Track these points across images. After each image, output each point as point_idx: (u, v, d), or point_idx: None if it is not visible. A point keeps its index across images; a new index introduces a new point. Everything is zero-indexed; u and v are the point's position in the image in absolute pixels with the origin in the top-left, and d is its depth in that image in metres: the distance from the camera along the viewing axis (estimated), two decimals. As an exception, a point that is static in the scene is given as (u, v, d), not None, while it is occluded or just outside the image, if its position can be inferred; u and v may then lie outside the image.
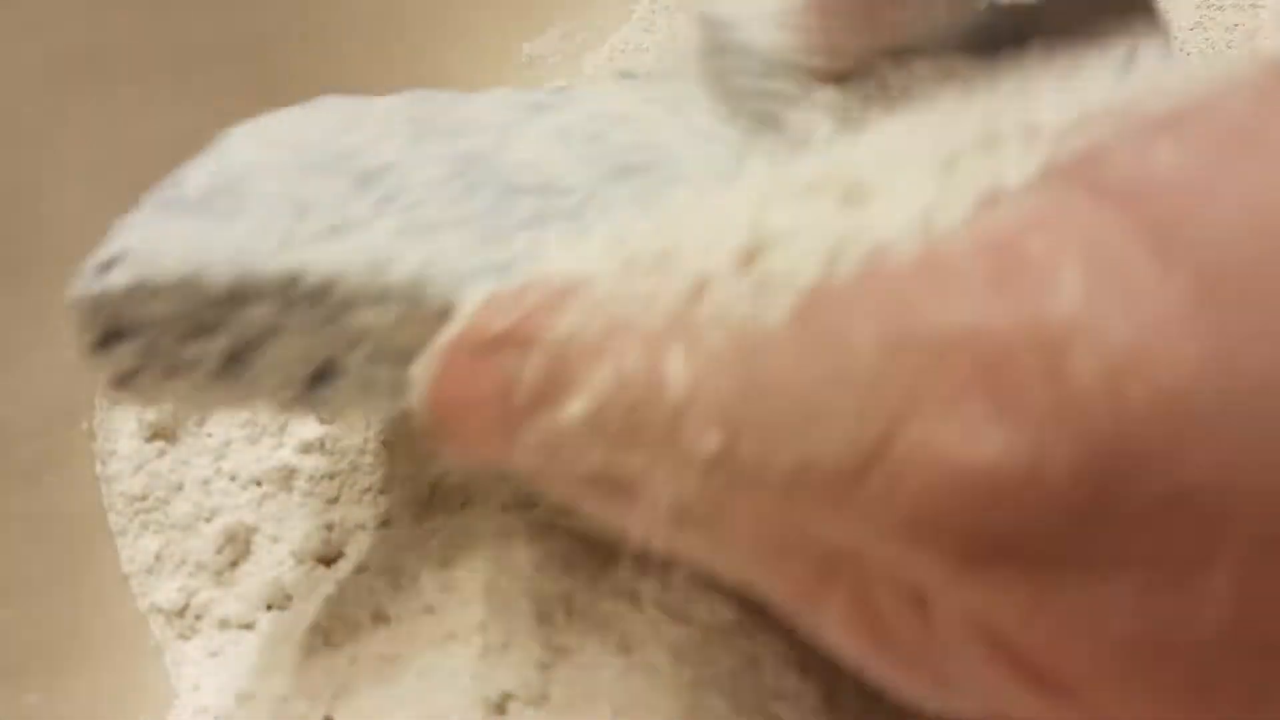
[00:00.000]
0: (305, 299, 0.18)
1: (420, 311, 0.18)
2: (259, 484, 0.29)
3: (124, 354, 0.19)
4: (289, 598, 0.28)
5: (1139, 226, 0.13)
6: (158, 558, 0.28)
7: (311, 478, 0.29)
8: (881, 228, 0.14)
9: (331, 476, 0.29)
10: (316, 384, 0.19)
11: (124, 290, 0.19)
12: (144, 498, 0.29)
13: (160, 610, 0.28)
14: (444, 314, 0.17)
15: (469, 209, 0.19)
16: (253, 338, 0.19)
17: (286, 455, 0.29)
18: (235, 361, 0.19)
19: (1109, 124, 0.14)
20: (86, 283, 0.19)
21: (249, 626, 0.28)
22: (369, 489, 0.29)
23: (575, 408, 0.15)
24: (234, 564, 0.28)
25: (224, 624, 0.28)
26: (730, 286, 0.14)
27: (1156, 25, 0.19)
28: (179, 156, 0.33)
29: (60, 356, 0.29)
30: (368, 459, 0.29)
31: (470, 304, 0.17)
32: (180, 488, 0.29)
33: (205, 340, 0.19)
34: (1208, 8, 0.40)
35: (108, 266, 0.19)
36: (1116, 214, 0.13)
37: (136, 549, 0.28)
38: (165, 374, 0.19)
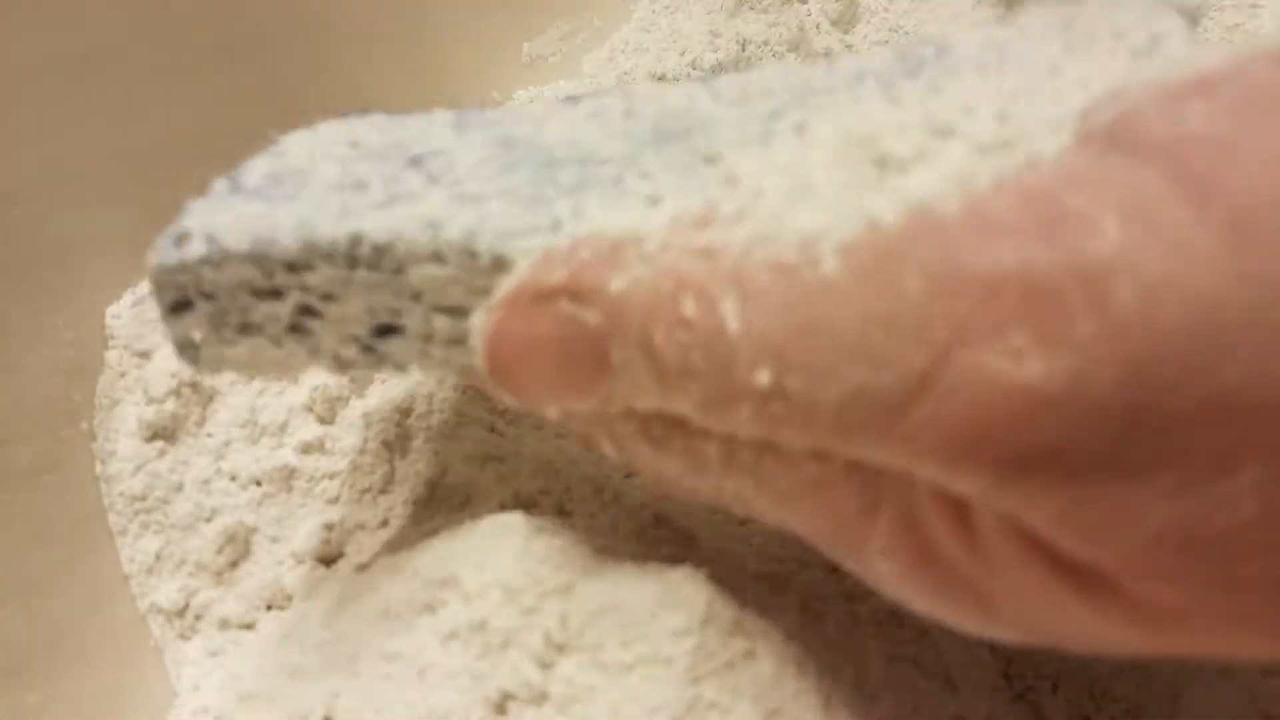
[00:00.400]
0: (366, 260, 0.19)
1: (473, 267, 0.19)
2: (259, 484, 0.29)
3: (198, 319, 0.21)
4: (289, 598, 0.28)
5: (1173, 178, 0.14)
6: (158, 558, 0.28)
7: (311, 478, 0.29)
8: (919, 188, 0.15)
9: (331, 476, 0.29)
10: (378, 340, 0.21)
11: (199, 259, 0.20)
12: (144, 498, 0.29)
13: (160, 610, 0.28)
14: (495, 270, 0.19)
15: (513, 180, 0.20)
16: (317, 299, 0.20)
17: (286, 455, 0.29)
18: (302, 321, 0.21)
19: (1140, 93, 0.15)
20: (163, 254, 0.21)
21: (249, 626, 0.28)
22: (369, 489, 0.29)
23: (634, 353, 0.17)
24: (234, 564, 0.28)
25: (224, 624, 0.28)
26: (780, 239, 0.16)
27: (1181, 15, 0.20)
28: (179, 156, 0.33)
29: (60, 356, 0.29)
30: (368, 459, 0.29)
31: (527, 259, 0.18)
32: (180, 488, 0.29)
33: (274, 303, 0.20)
34: (1208, 8, 0.40)
35: (183, 238, 0.21)
36: (1151, 169, 0.14)
37: (136, 549, 0.28)
38: (237, 334, 0.21)
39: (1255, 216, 0.13)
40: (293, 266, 0.20)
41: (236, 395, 0.30)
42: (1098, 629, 0.16)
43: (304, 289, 0.20)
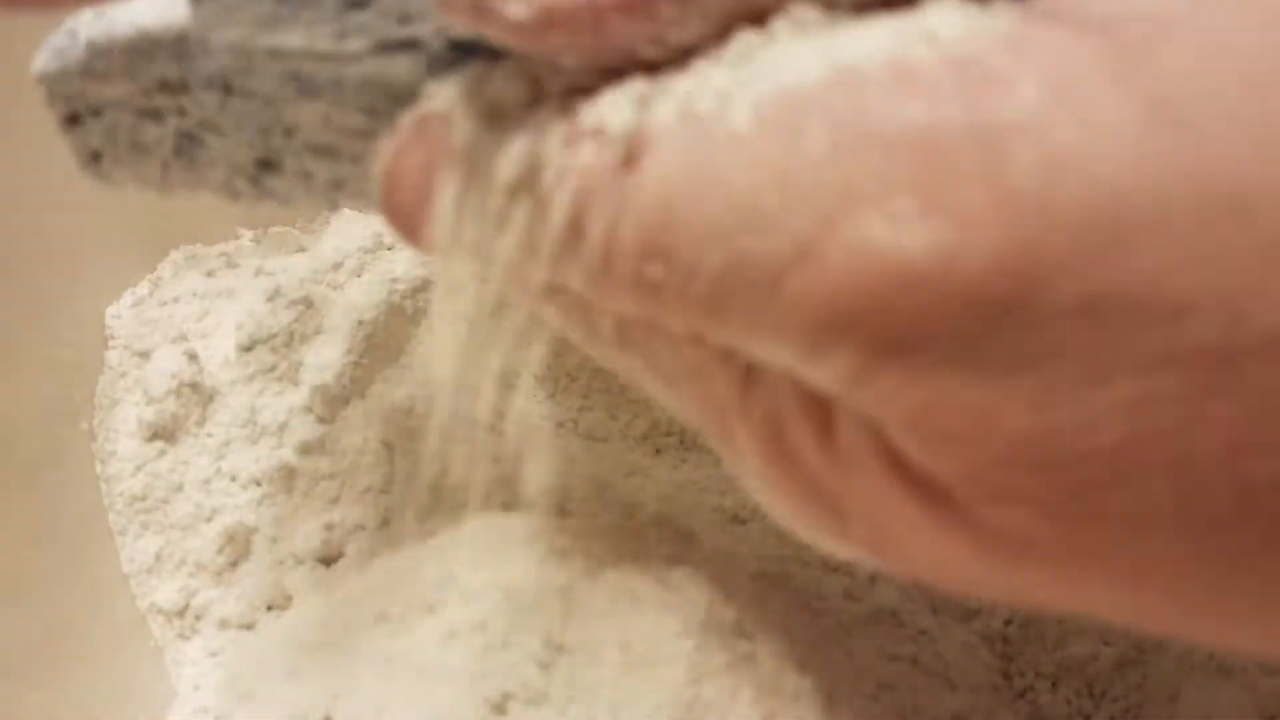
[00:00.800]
0: (239, 89, 0.19)
1: (342, 112, 0.19)
2: (259, 484, 0.29)
3: (90, 131, 0.21)
4: (289, 598, 0.28)
5: (1106, 52, 0.13)
6: (158, 558, 0.28)
7: (311, 478, 0.29)
8: (852, 49, 0.14)
9: (331, 476, 0.29)
10: (262, 173, 0.20)
11: (79, 67, 0.20)
12: (144, 498, 0.29)
13: (160, 610, 0.28)
14: (369, 113, 0.18)
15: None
16: (198, 126, 0.20)
17: (286, 455, 0.29)
18: (187, 146, 0.20)
19: None
20: (46, 59, 0.21)
21: (249, 626, 0.28)
22: (369, 489, 0.29)
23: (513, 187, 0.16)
24: (234, 564, 0.28)
25: (224, 624, 0.28)
26: (701, 89, 0.15)
27: None
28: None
29: (60, 356, 0.29)
30: (368, 459, 0.29)
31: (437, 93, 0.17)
32: (180, 488, 0.29)
33: (157, 124, 0.20)
34: None
35: (64, 45, 0.21)
36: (1086, 41, 0.13)
37: (136, 549, 0.28)
38: (129, 153, 0.21)
39: (1181, 101, 0.12)
40: (167, 84, 0.20)
41: (236, 395, 0.30)
42: (945, 555, 0.15)
43: (182, 113, 0.20)
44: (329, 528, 0.29)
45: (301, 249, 0.35)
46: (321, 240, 0.34)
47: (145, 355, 0.30)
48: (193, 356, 0.30)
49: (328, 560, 0.28)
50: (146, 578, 0.28)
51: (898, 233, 0.13)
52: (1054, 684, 0.27)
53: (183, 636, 0.28)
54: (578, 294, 0.17)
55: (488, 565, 0.22)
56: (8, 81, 0.29)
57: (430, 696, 0.21)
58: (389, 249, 0.33)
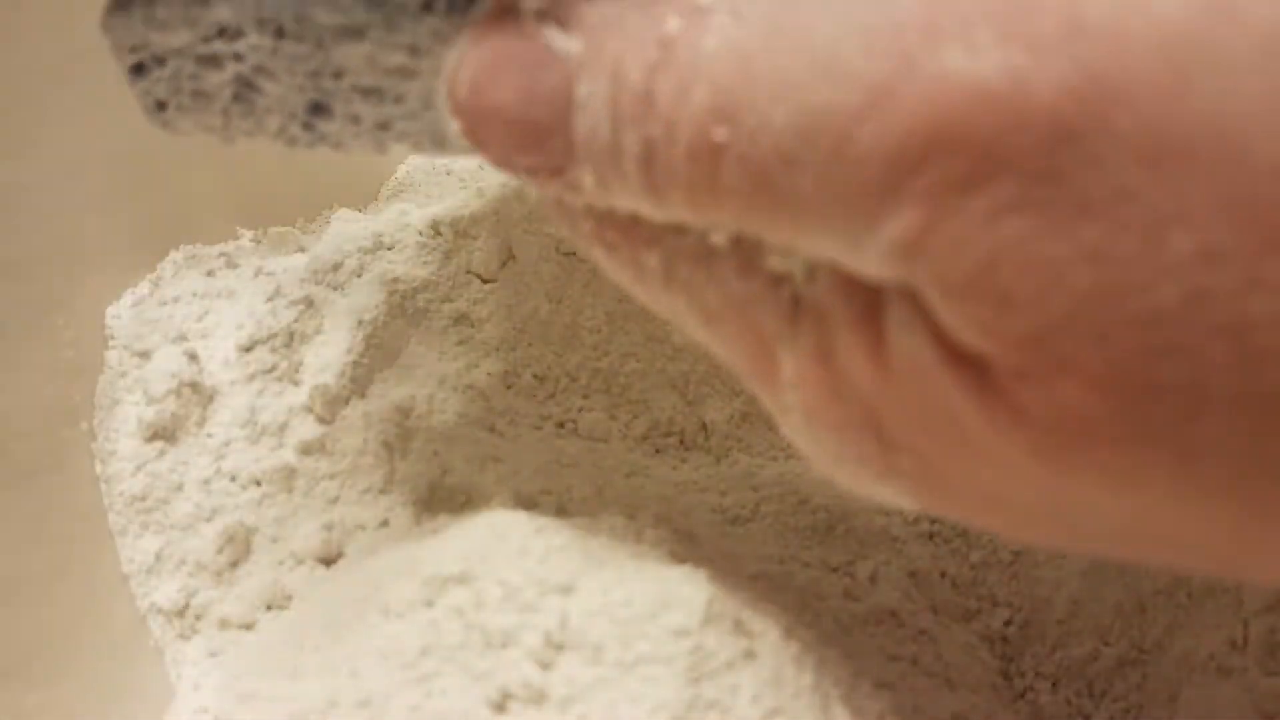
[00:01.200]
0: (291, 31, 0.20)
1: (385, 51, 0.19)
2: (259, 484, 0.29)
3: (155, 80, 0.22)
4: (289, 598, 0.28)
5: None
6: (158, 558, 0.28)
7: (311, 478, 0.29)
8: None
9: (331, 476, 0.29)
10: (314, 118, 0.21)
11: (141, 17, 0.21)
12: (144, 498, 0.29)
13: (160, 610, 0.28)
14: (411, 51, 0.19)
15: None
16: (252, 71, 0.21)
17: (286, 455, 0.29)
18: (245, 92, 0.21)
19: None
20: (109, 13, 0.21)
21: (249, 626, 0.28)
22: (369, 489, 0.29)
23: (601, 84, 0.16)
24: (234, 564, 0.28)
25: (224, 624, 0.28)
26: None
27: None
28: (179, 156, 0.33)
29: (60, 356, 0.29)
30: (368, 459, 0.29)
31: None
32: (180, 488, 0.29)
33: (216, 71, 0.21)
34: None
35: (124, 1, 0.21)
36: None
37: (136, 549, 0.28)
38: (192, 101, 0.22)
39: None
40: (224, 30, 0.20)
41: (236, 395, 0.30)
42: (997, 464, 0.15)
43: (238, 58, 0.21)
44: (329, 528, 0.29)
45: (301, 249, 0.35)
46: (321, 240, 0.34)
47: (145, 355, 0.30)
48: (193, 356, 0.30)
49: (328, 560, 0.28)
50: (146, 578, 0.28)
51: (974, 60, 0.13)
52: (1054, 684, 0.27)
53: (183, 636, 0.28)
54: (625, 225, 0.17)
55: (487, 565, 0.22)
56: (8, 81, 0.29)
57: (430, 696, 0.21)
58: (389, 249, 0.33)
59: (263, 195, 0.35)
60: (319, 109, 0.21)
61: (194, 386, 0.30)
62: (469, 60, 0.18)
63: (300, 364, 0.30)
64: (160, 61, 0.22)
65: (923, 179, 0.13)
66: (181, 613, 0.28)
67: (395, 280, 0.32)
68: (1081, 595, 0.27)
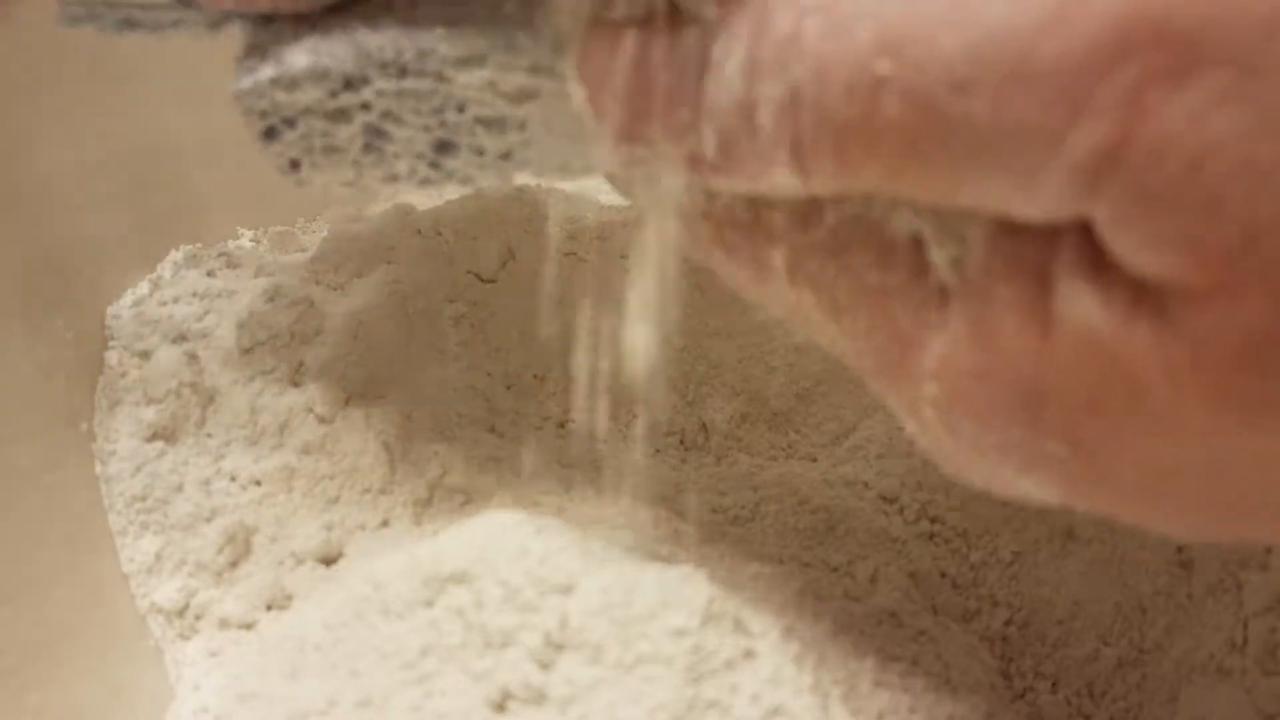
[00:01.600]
0: (413, 67, 0.21)
1: (508, 72, 0.20)
2: (259, 484, 0.29)
3: (287, 142, 0.22)
4: (289, 598, 0.28)
5: None
6: (158, 558, 0.28)
7: (311, 478, 0.29)
8: None
9: (331, 477, 0.29)
10: (442, 156, 0.22)
11: (270, 80, 0.22)
12: (144, 498, 0.29)
13: (160, 610, 0.28)
14: (534, 70, 0.19)
15: None
16: (380, 118, 0.21)
17: (286, 455, 0.29)
18: (374, 141, 0.22)
19: None
20: (239, 81, 0.22)
21: (249, 626, 0.28)
22: (369, 489, 0.29)
23: (737, 44, 0.15)
24: (234, 564, 0.28)
25: (224, 624, 0.28)
26: None
27: None
28: (179, 156, 0.33)
29: (60, 356, 0.29)
30: (368, 459, 0.29)
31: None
32: (180, 488, 0.29)
33: (345, 124, 0.22)
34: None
35: (252, 68, 0.22)
36: None
37: (136, 549, 0.28)
38: (325, 157, 0.22)
39: None
40: (350, 82, 0.21)
41: (236, 395, 0.30)
42: (1165, 409, 0.14)
43: (365, 107, 0.21)
44: (329, 528, 0.29)
45: (301, 249, 0.35)
46: (321, 240, 0.34)
47: (145, 355, 0.30)
48: (193, 356, 0.30)
49: (328, 560, 0.28)
50: (146, 578, 0.28)
51: None
52: (1054, 684, 0.27)
53: (183, 636, 0.28)
54: (746, 224, 0.17)
55: (487, 565, 0.22)
56: (8, 81, 0.29)
57: (430, 696, 0.21)
58: (389, 249, 0.33)
59: (263, 195, 0.35)
60: (444, 147, 0.21)
61: (194, 386, 0.30)
62: (592, 40, 0.18)
63: (300, 364, 0.30)
64: (290, 123, 0.22)
65: (1119, 79, 0.12)
66: (181, 613, 0.28)
67: (395, 280, 0.32)
68: (1082, 595, 0.27)
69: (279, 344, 0.30)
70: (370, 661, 0.22)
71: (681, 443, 0.32)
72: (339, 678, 0.22)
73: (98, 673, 0.26)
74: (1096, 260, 0.14)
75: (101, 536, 0.28)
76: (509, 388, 0.32)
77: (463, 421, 0.31)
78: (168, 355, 0.30)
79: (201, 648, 0.27)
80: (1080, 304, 0.14)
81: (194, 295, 0.32)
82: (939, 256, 0.16)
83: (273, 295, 0.31)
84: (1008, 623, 0.28)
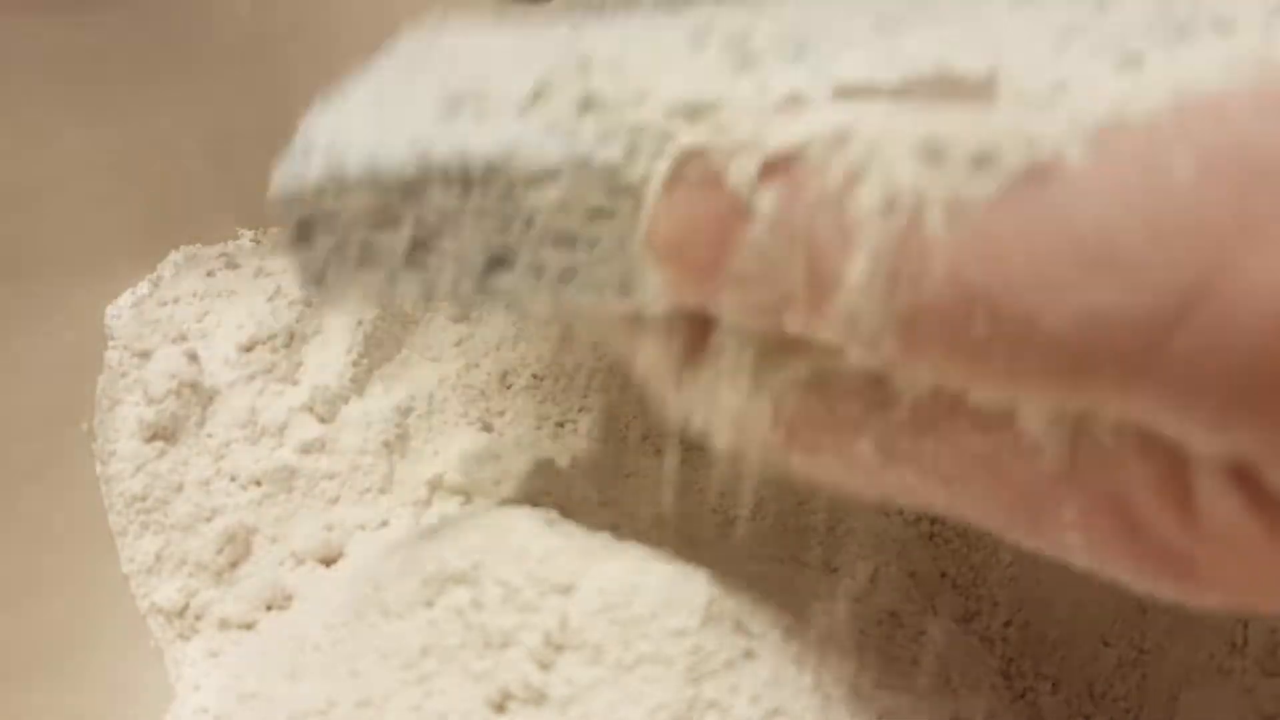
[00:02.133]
0: (479, 179, 0.19)
1: (582, 191, 0.18)
2: (259, 484, 0.29)
3: (318, 248, 0.20)
4: (289, 598, 0.28)
5: None
6: (158, 558, 0.28)
7: (311, 478, 0.29)
8: (1185, 72, 0.13)
9: (331, 476, 0.29)
10: (490, 274, 0.20)
11: (316, 185, 0.20)
12: (144, 498, 0.29)
13: (160, 610, 0.28)
14: (610, 188, 0.17)
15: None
16: (433, 226, 0.19)
17: (286, 455, 0.29)
18: (420, 253, 0.20)
19: None
20: (282, 181, 0.20)
21: (249, 626, 0.28)
22: (369, 489, 0.29)
23: (796, 249, 0.14)
24: (234, 564, 0.28)
25: (224, 624, 0.28)
26: (1008, 120, 0.13)
27: None
28: (179, 156, 0.33)
29: (60, 356, 0.29)
30: (368, 459, 0.29)
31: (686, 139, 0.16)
32: (180, 488, 0.29)
33: (391, 231, 0.20)
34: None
35: (300, 165, 0.20)
36: None
37: (136, 549, 0.28)
38: (356, 267, 0.20)
39: None
40: (408, 190, 0.19)
41: (236, 395, 0.30)
42: None
43: (418, 218, 0.19)
44: (329, 528, 0.29)
45: (302, 249, 0.35)
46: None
47: (145, 355, 0.30)
48: (193, 356, 0.30)
49: (328, 560, 0.28)
50: (146, 578, 0.28)
51: None
52: (1054, 685, 0.27)
53: (183, 636, 0.28)
54: (823, 420, 0.16)
55: (487, 564, 0.22)
56: (8, 81, 0.29)
57: (430, 696, 0.21)
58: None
59: (263, 195, 0.35)
60: (498, 262, 0.19)
61: (194, 386, 0.30)
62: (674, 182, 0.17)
63: (300, 364, 0.30)
64: (329, 227, 0.20)
65: (1265, 405, 0.12)
66: (181, 613, 0.28)
67: (395, 280, 0.32)
68: (1082, 596, 0.27)
69: (279, 344, 0.30)
70: (370, 662, 0.22)
71: (681, 443, 0.32)
72: (339, 678, 0.22)
73: (98, 673, 0.26)
74: (1251, 480, 0.13)
75: (101, 536, 0.28)
76: (508, 388, 0.32)
77: (462, 421, 0.31)
78: (167, 355, 0.30)
79: (201, 648, 0.27)
80: (1227, 511, 0.14)
81: (194, 295, 0.32)
82: (1048, 437, 0.15)
83: (273, 295, 0.31)
84: (1008, 623, 0.28)
